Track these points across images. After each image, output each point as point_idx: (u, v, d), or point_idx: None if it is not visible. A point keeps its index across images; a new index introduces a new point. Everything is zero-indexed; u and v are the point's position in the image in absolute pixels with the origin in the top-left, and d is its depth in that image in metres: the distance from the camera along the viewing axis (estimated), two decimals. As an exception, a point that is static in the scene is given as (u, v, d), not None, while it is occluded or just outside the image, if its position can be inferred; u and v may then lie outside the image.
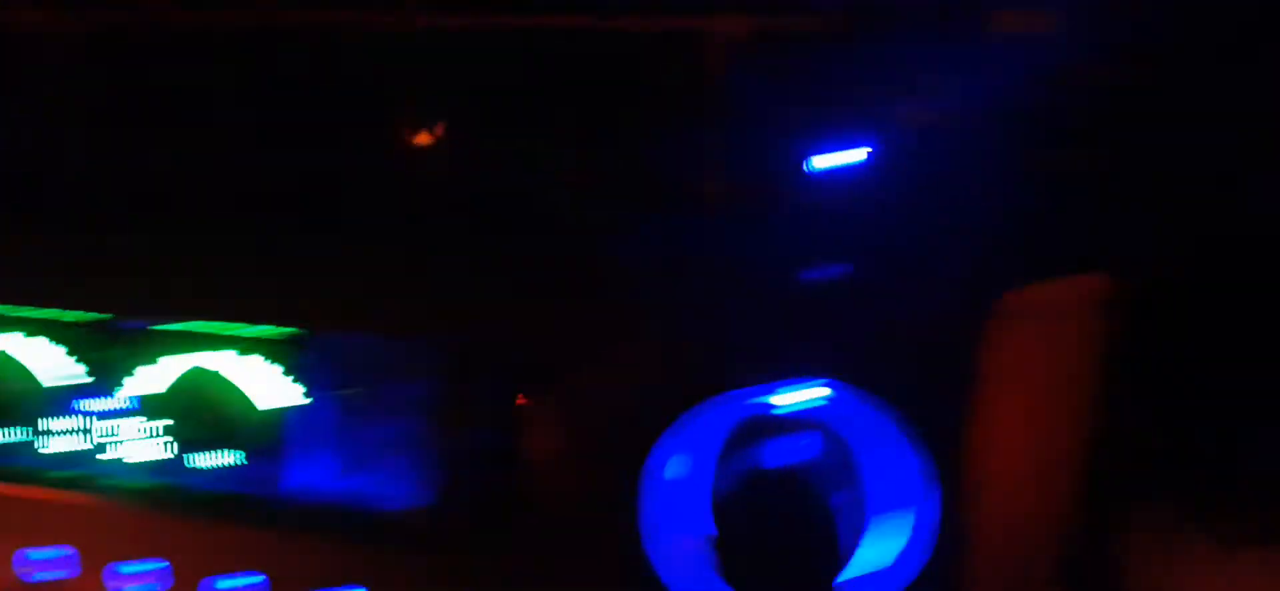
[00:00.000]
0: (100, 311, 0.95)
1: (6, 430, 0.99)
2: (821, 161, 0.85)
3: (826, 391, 0.83)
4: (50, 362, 0.97)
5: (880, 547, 0.84)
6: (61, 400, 0.98)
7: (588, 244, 0.87)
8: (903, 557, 0.85)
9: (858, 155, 0.85)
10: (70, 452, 0.97)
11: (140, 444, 0.95)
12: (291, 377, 0.92)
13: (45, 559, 0.96)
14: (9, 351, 0.97)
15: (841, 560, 0.84)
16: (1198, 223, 0.92)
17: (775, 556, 0.82)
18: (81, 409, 0.97)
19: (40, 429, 0.98)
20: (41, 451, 0.98)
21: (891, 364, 0.83)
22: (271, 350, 0.92)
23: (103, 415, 0.96)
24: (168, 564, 0.94)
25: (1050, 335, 0.85)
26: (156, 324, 0.94)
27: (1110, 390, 0.86)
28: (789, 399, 0.83)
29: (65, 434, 0.98)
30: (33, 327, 0.97)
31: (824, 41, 0.90)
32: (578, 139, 0.92)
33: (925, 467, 0.83)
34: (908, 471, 0.83)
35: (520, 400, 0.87)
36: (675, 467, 0.83)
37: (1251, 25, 0.94)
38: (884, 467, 0.83)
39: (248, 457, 0.94)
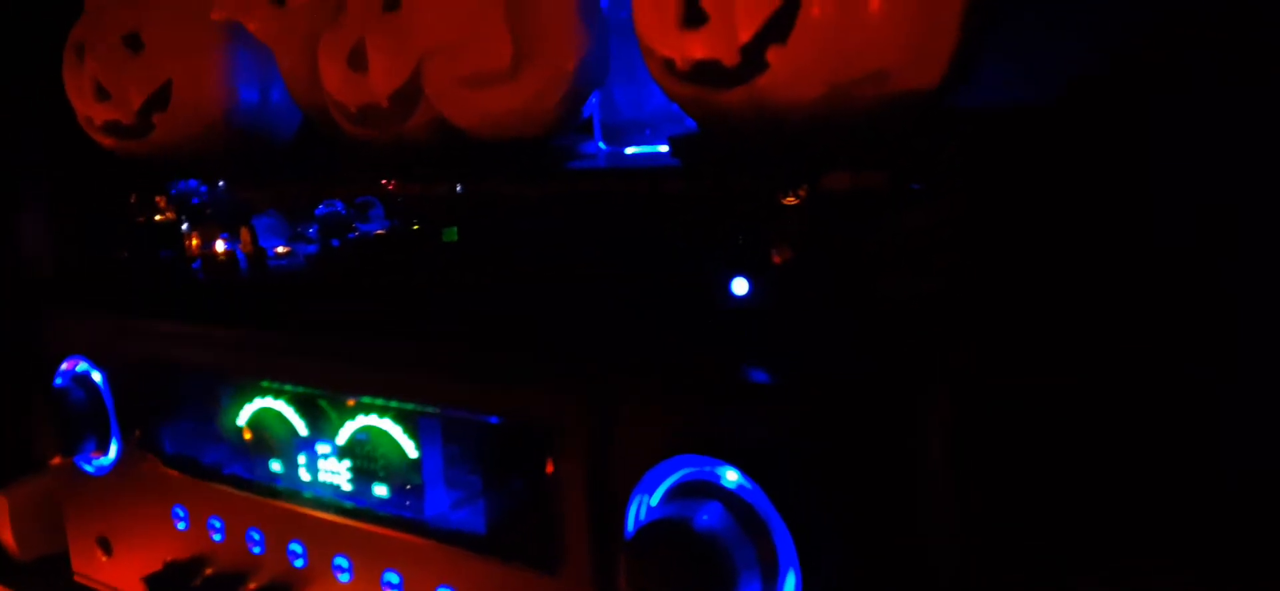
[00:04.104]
0: (317, 387, 1.44)
1: (271, 461, 1.50)
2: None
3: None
4: (292, 419, 1.47)
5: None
6: (295, 443, 1.46)
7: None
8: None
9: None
10: (299, 479, 1.45)
11: (337, 475, 1.42)
12: (430, 437, 1.34)
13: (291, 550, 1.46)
14: (273, 409, 1.48)
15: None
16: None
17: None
18: (305, 449, 1.45)
19: (286, 462, 1.47)
20: (282, 477, 1.48)
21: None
22: (419, 419, 1.35)
23: (316, 455, 1.44)
24: (351, 560, 1.40)
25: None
26: (350, 397, 1.40)
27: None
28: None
29: (294, 466, 1.46)
30: (283, 396, 1.47)
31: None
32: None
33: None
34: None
35: (549, 466, 1.21)
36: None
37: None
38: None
39: (403, 488, 1.37)
